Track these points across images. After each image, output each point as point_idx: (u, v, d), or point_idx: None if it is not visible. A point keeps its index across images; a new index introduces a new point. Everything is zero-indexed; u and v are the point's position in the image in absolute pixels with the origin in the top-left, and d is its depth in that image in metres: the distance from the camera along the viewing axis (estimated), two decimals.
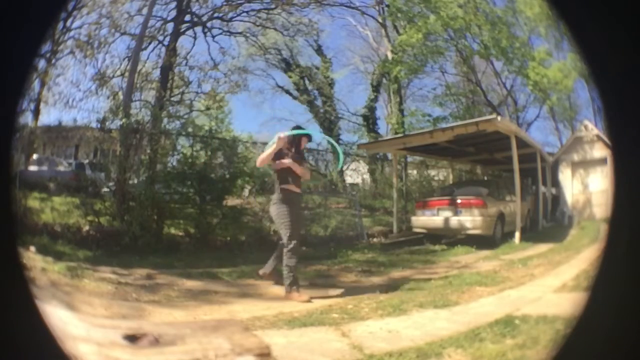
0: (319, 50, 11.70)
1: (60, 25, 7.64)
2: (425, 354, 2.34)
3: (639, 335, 1.08)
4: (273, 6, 10.14)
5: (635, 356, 1.11)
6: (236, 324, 2.88)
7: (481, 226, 6.79)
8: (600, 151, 8.50)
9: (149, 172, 7.12)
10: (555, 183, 9.50)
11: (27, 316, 1.21)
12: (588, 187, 8.96)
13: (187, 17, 9.50)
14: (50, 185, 7.30)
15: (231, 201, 7.50)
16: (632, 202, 1.12)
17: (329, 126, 11.45)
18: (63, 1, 2.54)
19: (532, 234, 7.60)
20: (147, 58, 9.23)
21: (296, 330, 2.83)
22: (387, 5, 10.58)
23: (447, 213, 7.13)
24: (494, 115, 8.19)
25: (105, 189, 7.33)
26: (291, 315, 3.18)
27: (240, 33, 10.25)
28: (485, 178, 11.52)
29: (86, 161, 8.73)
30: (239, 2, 9.88)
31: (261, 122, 14.27)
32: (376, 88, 11.94)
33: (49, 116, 8.79)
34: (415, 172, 11.45)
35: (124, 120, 7.01)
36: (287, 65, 11.59)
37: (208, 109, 9.27)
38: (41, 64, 7.37)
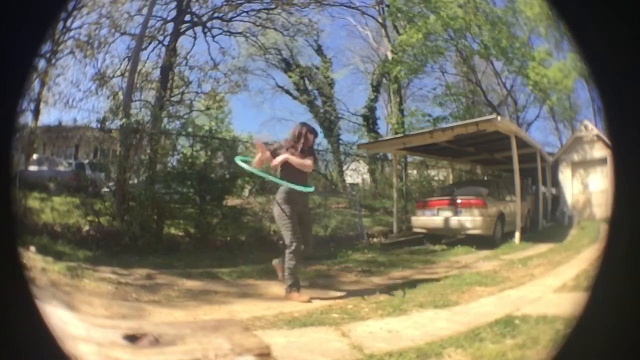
0: (319, 50, 11.72)
1: (60, 25, 7.64)
2: (425, 354, 2.34)
3: (639, 335, 1.08)
4: (273, 6, 10.15)
5: (635, 356, 1.11)
6: (236, 324, 2.88)
7: (481, 226, 6.79)
8: (600, 151, 8.50)
9: (149, 172, 7.12)
10: (555, 183, 9.50)
11: (27, 316, 1.21)
12: (588, 187, 8.96)
13: (187, 17, 9.51)
14: (50, 185, 7.30)
15: (231, 201, 7.50)
16: (632, 202, 1.12)
17: (329, 126, 11.45)
18: (63, 1, 2.54)
19: (532, 234, 7.60)
20: (147, 58, 9.26)
21: (296, 330, 2.82)
22: (387, 5, 10.58)
23: (447, 213, 7.12)
24: (494, 115, 8.19)
25: (105, 189, 7.33)
26: (291, 315, 3.17)
27: (240, 33, 10.26)
28: (485, 178, 11.52)
29: (86, 161, 8.73)
30: (239, 2, 9.88)
31: (261, 122, 14.24)
32: (376, 88, 11.95)
33: (49, 116, 8.82)
34: (415, 172, 11.45)
35: (124, 120, 7.01)
36: (287, 65, 11.59)
37: (208, 109, 9.29)
38: (41, 64, 7.38)
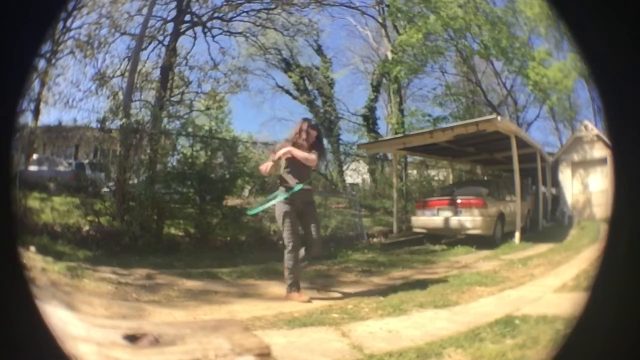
0: (319, 50, 11.73)
1: (60, 25, 7.65)
2: (425, 354, 2.34)
3: (639, 335, 1.08)
4: (273, 6, 10.16)
5: (635, 356, 1.11)
6: (236, 324, 2.88)
7: (481, 226, 6.79)
8: (600, 151, 8.51)
9: (149, 172, 7.13)
10: (555, 183, 9.50)
11: (27, 316, 1.21)
12: (588, 187, 8.97)
13: (187, 17, 9.52)
14: (50, 185, 7.30)
15: (231, 201, 7.50)
16: (632, 202, 1.12)
17: (329, 126, 11.45)
18: (63, 1, 2.54)
19: (532, 234, 7.60)
20: (147, 58, 9.28)
21: (296, 330, 2.82)
22: (387, 5, 10.59)
23: (447, 213, 7.13)
24: (494, 115, 8.20)
25: (105, 189, 7.33)
26: (291, 315, 3.17)
27: (240, 33, 10.27)
28: (485, 178, 11.53)
29: (86, 161, 8.73)
30: (239, 2, 9.89)
31: (261, 122, 14.33)
32: (376, 88, 11.95)
33: (49, 116, 8.86)
34: (415, 172, 11.45)
35: (124, 120, 7.01)
36: (287, 65, 11.60)
37: (208, 109, 9.28)
38: (41, 64, 7.38)
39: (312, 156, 3.80)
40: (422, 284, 4.20)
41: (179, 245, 6.37)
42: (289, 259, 3.73)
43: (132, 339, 2.31)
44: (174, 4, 9.13)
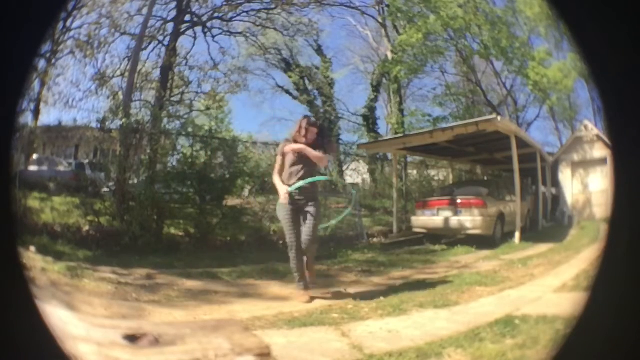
0: (319, 50, 11.73)
1: (60, 25, 7.65)
2: (425, 354, 2.34)
3: (639, 335, 1.08)
4: (273, 6, 10.16)
5: (635, 356, 1.11)
6: (236, 324, 2.88)
7: (481, 226, 6.79)
8: (600, 151, 8.51)
9: (149, 172, 7.13)
10: (555, 183, 9.50)
11: (27, 316, 1.21)
12: (588, 187, 8.96)
13: (187, 17, 9.53)
14: (50, 185, 7.30)
15: (231, 201, 7.51)
16: (632, 202, 1.12)
17: (329, 126, 11.45)
18: (63, 1, 2.54)
19: (532, 234, 7.60)
20: (147, 58, 9.28)
21: (296, 330, 2.82)
22: (387, 5, 10.59)
23: (447, 213, 7.13)
24: (494, 115, 8.19)
25: (105, 189, 7.33)
26: (291, 315, 3.17)
27: (240, 33, 10.27)
28: (485, 178, 11.53)
29: (86, 161, 8.73)
30: (239, 2, 9.89)
31: (261, 122, 14.37)
32: (376, 88, 11.95)
33: (49, 116, 8.85)
34: (415, 172, 11.45)
35: (124, 120, 7.01)
36: (287, 65, 11.60)
37: (208, 109, 9.29)
38: (41, 64, 7.39)
39: (324, 160, 3.82)
40: (422, 284, 4.20)
41: (179, 245, 6.37)
42: (293, 258, 3.74)
43: (132, 339, 2.31)
44: (174, 4, 9.15)
